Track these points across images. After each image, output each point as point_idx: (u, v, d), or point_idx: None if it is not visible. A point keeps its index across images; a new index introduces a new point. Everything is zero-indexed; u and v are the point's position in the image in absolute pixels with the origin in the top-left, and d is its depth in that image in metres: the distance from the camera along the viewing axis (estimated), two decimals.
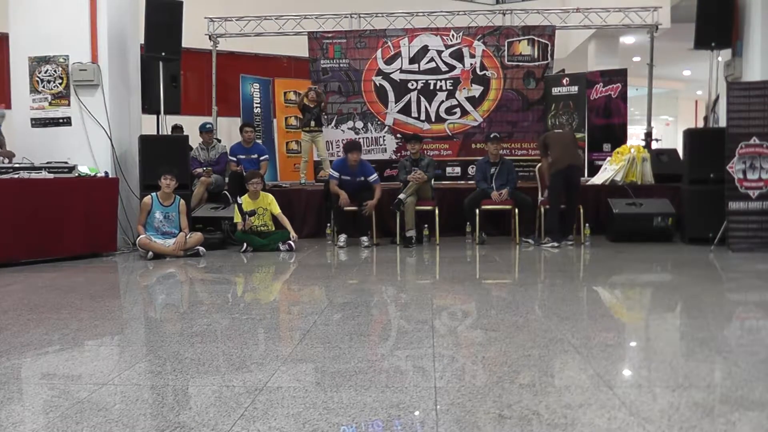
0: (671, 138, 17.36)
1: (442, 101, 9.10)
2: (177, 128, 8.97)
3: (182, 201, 6.51)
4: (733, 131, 6.45)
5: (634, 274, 5.48)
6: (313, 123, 8.68)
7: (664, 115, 19.63)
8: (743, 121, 6.42)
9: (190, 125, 8.80)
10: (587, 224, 7.06)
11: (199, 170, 7.72)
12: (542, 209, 7.18)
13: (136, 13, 7.43)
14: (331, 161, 8.42)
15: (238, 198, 6.91)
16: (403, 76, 9.13)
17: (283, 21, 9.45)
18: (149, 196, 6.44)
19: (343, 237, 6.98)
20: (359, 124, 9.20)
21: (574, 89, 9.00)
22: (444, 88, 9.10)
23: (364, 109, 9.19)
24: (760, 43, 7.05)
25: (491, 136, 7.55)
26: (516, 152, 8.96)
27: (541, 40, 9.04)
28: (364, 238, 6.98)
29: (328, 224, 7.51)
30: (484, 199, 7.16)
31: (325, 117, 9.15)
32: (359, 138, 9.15)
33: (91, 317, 3.70)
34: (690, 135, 7.27)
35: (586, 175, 7.56)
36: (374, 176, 7.23)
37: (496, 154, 7.30)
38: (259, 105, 11.05)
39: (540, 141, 7.15)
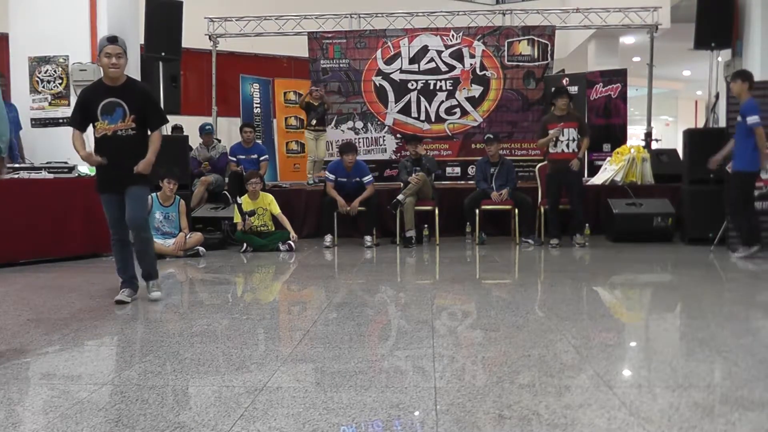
0: (671, 138, 17.35)
1: (442, 101, 9.10)
2: (177, 129, 8.98)
3: (182, 201, 6.51)
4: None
5: (634, 274, 5.48)
6: (314, 122, 8.68)
7: (664, 116, 19.62)
8: None
9: (190, 125, 8.80)
10: (587, 224, 7.04)
11: (200, 169, 7.74)
12: (542, 209, 7.17)
13: (136, 13, 7.43)
14: (323, 162, 8.46)
15: (238, 198, 6.91)
16: (403, 76, 9.13)
17: (283, 21, 9.45)
18: (149, 196, 6.43)
19: (329, 238, 7.00)
20: (359, 124, 9.20)
21: (574, 89, 8.99)
22: (444, 88, 9.09)
23: (364, 109, 9.19)
24: (760, 43, 7.06)
25: (486, 137, 7.52)
26: (516, 152, 8.96)
27: (541, 40, 9.03)
28: (368, 238, 6.98)
29: None
30: (484, 199, 7.16)
31: (329, 116, 9.15)
32: (359, 138, 9.14)
33: (91, 317, 3.70)
34: (690, 135, 7.27)
35: (586, 175, 7.56)
36: (368, 177, 7.22)
37: (495, 154, 7.29)
38: (259, 105, 11.05)
39: (541, 126, 6.97)
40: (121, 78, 4.02)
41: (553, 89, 7.25)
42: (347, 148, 7.25)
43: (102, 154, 3.99)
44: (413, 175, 7.17)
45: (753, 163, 5.71)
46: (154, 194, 6.43)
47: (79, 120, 4.04)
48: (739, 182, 5.85)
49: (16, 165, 5.99)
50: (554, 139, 6.64)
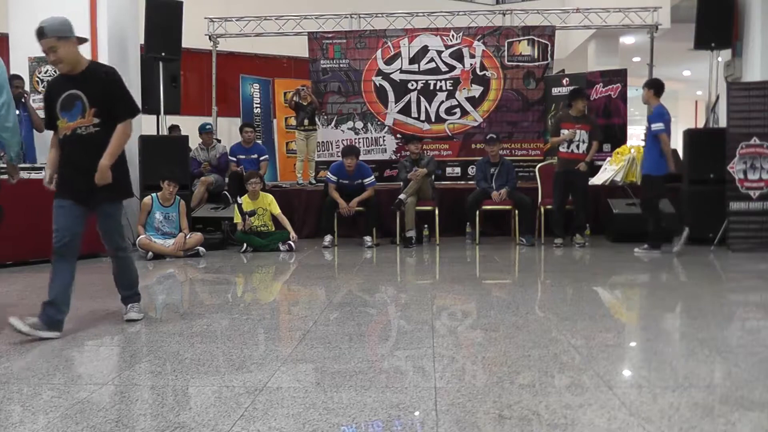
0: (671, 138, 17.34)
1: (442, 101, 9.10)
2: (174, 128, 8.93)
3: (182, 202, 6.51)
4: (733, 131, 6.45)
5: (634, 274, 5.48)
6: (307, 122, 8.68)
7: None
8: (743, 122, 6.43)
9: (190, 125, 8.80)
10: (587, 224, 7.05)
11: (200, 169, 7.75)
12: (542, 209, 7.18)
13: (136, 13, 7.43)
14: (324, 162, 8.45)
15: (238, 198, 6.91)
16: (403, 77, 9.13)
17: (283, 21, 9.45)
18: (149, 196, 6.45)
19: (328, 238, 7.01)
20: (359, 125, 9.20)
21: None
22: (444, 88, 9.09)
23: (364, 109, 9.19)
24: (760, 43, 7.05)
25: (488, 137, 7.54)
26: (516, 152, 8.96)
27: (541, 40, 9.03)
28: (368, 238, 6.99)
29: None
30: (485, 198, 7.16)
31: (325, 117, 9.15)
32: (359, 138, 9.14)
33: (91, 317, 3.70)
34: (690, 135, 7.29)
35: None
36: (370, 179, 7.23)
37: (495, 154, 7.29)
38: (259, 105, 11.06)
39: (554, 124, 7.05)
40: (80, 64, 3.32)
41: (570, 90, 7.26)
42: (348, 151, 7.23)
43: (63, 158, 3.36)
44: (413, 171, 7.19)
45: (660, 167, 6.14)
46: (154, 194, 6.43)
47: (48, 118, 3.41)
48: (650, 185, 6.25)
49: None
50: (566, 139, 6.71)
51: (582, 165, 6.65)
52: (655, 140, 6.13)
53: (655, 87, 6.29)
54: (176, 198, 6.48)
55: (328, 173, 7.34)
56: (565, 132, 6.70)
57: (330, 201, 7.04)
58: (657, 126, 6.08)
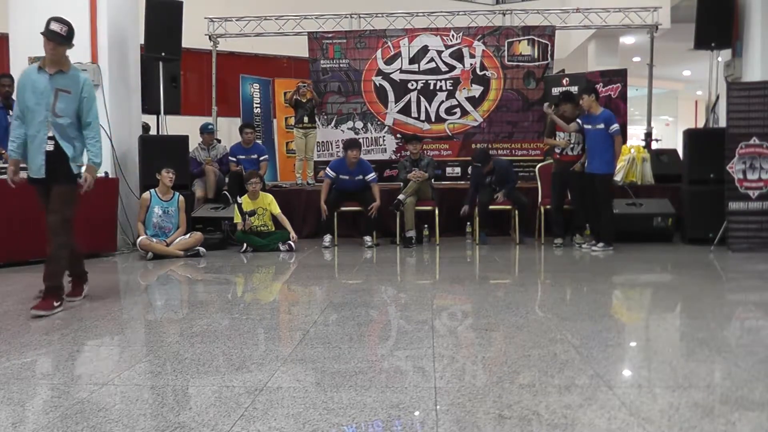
0: (671, 138, 17.35)
1: (442, 101, 9.10)
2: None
3: (181, 197, 6.53)
4: (733, 131, 6.45)
5: (634, 274, 5.48)
6: (306, 119, 8.67)
7: (664, 116, 19.61)
8: (743, 122, 6.43)
9: (190, 125, 8.78)
10: (587, 224, 7.05)
11: (201, 168, 7.77)
12: (542, 209, 7.18)
13: (136, 13, 7.43)
14: (323, 162, 8.44)
15: (238, 198, 6.91)
16: (403, 77, 9.13)
17: (283, 21, 9.45)
18: (147, 191, 6.47)
19: (328, 238, 7.01)
20: (359, 125, 9.20)
21: (574, 89, 8.99)
22: (444, 88, 9.09)
23: (364, 109, 9.19)
24: (760, 43, 7.05)
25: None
26: (516, 152, 8.96)
27: (541, 40, 9.03)
28: (368, 238, 6.99)
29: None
30: (490, 200, 7.15)
31: (325, 116, 9.15)
32: (359, 138, 9.14)
33: (91, 317, 3.70)
34: (690, 135, 7.28)
35: None
36: (372, 175, 7.22)
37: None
38: (259, 105, 11.06)
39: (549, 125, 7.05)
40: None
41: (560, 94, 7.29)
42: (351, 143, 7.23)
43: None
44: (413, 171, 7.19)
45: (611, 166, 6.47)
46: (152, 190, 6.44)
47: None
48: (605, 184, 6.44)
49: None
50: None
51: (577, 166, 6.66)
52: (605, 140, 6.29)
53: (596, 92, 6.59)
54: (175, 193, 6.50)
55: (328, 169, 7.32)
56: (560, 135, 6.74)
57: (330, 201, 7.04)
58: (614, 127, 6.30)
